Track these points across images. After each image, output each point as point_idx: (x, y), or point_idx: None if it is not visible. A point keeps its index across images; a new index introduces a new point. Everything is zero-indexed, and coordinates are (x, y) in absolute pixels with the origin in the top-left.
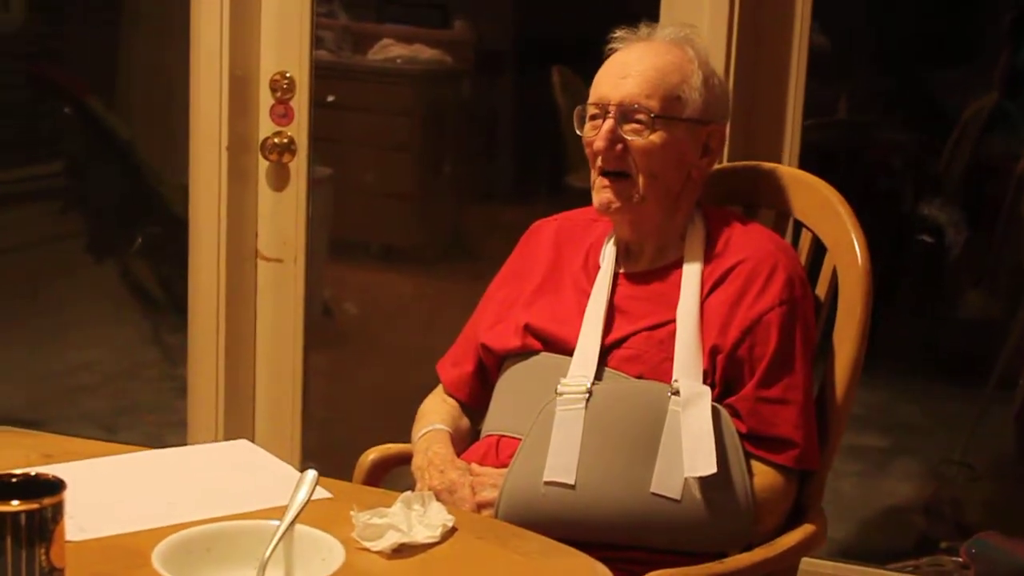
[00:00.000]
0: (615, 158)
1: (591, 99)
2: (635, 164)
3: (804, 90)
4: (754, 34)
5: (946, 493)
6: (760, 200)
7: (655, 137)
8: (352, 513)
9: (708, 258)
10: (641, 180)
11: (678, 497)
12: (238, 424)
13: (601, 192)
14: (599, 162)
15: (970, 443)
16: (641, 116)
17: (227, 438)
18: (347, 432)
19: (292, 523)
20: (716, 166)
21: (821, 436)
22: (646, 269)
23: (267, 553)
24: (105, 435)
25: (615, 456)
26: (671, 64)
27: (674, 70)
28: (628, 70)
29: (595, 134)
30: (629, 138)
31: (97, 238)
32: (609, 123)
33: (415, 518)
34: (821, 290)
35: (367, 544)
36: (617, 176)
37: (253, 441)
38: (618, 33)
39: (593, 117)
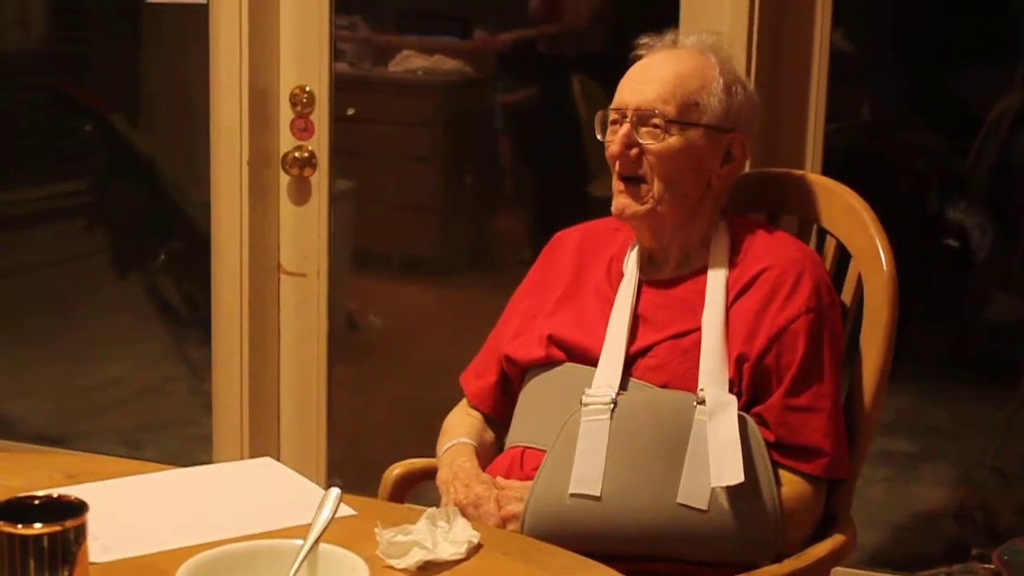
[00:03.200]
0: (631, 163)
1: (612, 104)
2: (651, 169)
3: (826, 93)
4: (775, 38)
5: (977, 498)
6: (784, 207)
7: (672, 141)
8: (377, 530)
9: (733, 265)
10: (657, 185)
11: (705, 507)
12: (263, 438)
13: (617, 197)
14: (616, 167)
15: (1000, 447)
16: (657, 121)
17: (252, 452)
18: (372, 445)
19: (316, 541)
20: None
21: (849, 444)
22: (670, 277)
23: (291, 573)
24: (131, 451)
25: (641, 467)
26: (691, 70)
27: (694, 76)
28: (648, 75)
29: (614, 139)
30: (644, 142)
31: (121, 254)
32: (625, 127)
33: (440, 535)
34: (847, 297)
35: (392, 562)
36: (633, 181)
37: (278, 455)
38: (644, 40)
39: (614, 122)
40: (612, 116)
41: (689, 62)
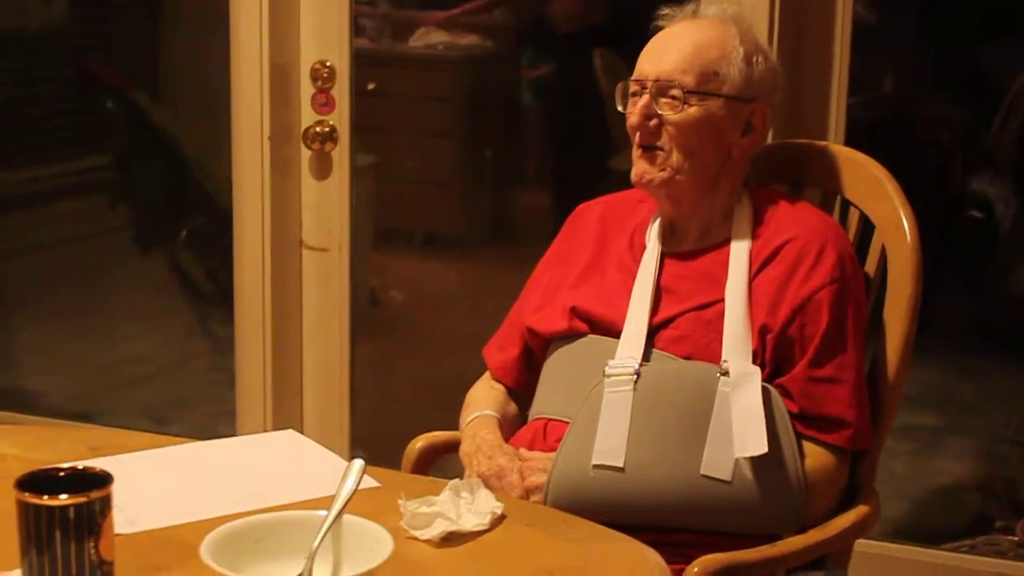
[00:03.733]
0: (650, 133)
1: (633, 76)
2: (670, 139)
3: (849, 66)
4: (797, 8)
5: (1000, 472)
6: (807, 179)
7: (690, 112)
8: (400, 502)
9: (756, 237)
10: (675, 155)
11: (729, 478)
12: (286, 414)
13: (636, 163)
14: (636, 138)
15: (1023, 421)
16: (675, 91)
17: (276, 427)
18: (395, 420)
19: (340, 513)
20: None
21: (873, 416)
22: (692, 248)
23: (316, 544)
24: (155, 427)
25: (664, 438)
26: (711, 40)
27: (713, 46)
28: (668, 46)
29: (633, 110)
30: (663, 113)
31: (144, 231)
32: (645, 98)
33: (463, 506)
34: (870, 269)
35: (416, 533)
36: (651, 149)
37: (302, 430)
38: (664, 11)
39: (634, 94)
40: (632, 87)
41: (709, 32)
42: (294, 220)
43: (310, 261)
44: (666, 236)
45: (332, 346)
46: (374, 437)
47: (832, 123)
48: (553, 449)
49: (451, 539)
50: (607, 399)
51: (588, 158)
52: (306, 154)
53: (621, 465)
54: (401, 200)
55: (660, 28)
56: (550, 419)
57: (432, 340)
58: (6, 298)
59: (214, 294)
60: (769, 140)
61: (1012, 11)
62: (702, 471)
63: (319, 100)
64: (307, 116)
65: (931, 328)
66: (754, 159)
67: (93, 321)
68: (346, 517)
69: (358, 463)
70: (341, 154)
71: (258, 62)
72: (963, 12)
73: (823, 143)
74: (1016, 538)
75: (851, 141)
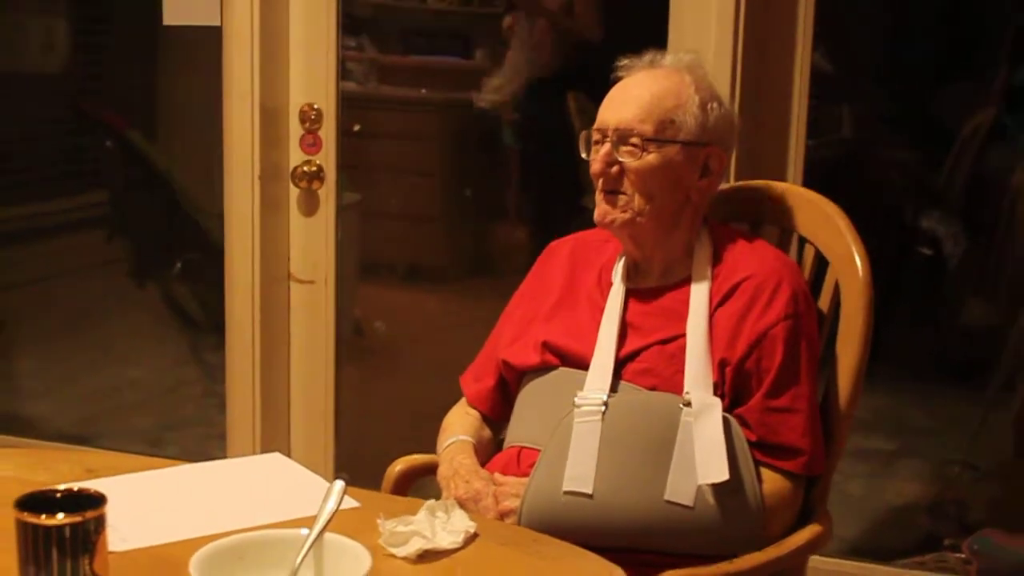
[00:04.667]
0: (612, 179)
1: (595, 125)
2: (631, 184)
3: (807, 110)
4: (758, 57)
5: (950, 493)
6: (765, 217)
7: (649, 159)
8: (379, 521)
9: (715, 274)
10: (637, 199)
11: (691, 504)
12: (274, 436)
13: (599, 206)
14: (600, 183)
15: (973, 445)
16: (635, 140)
17: (264, 449)
18: (377, 442)
19: (322, 531)
20: (722, 186)
21: (826, 440)
22: (655, 285)
23: (298, 560)
24: (151, 449)
25: (631, 466)
26: (667, 90)
27: (670, 95)
28: (627, 96)
29: (596, 158)
30: (624, 160)
31: (140, 263)
32: (606, 147)
33: (439, 525)
34: (824, 301)
35: (393, 550)
36: (613, 193)
37: (288, 451)
38: (623, 61)
39: (597, 142)
40: (595, 136)
41: (665, 82)
42: (283, 254)
43: (298, 293)
44: (630, 274)
45: (318, 372)
46: (357, 458)
47: (791, 163)
48: (526, 475)
49: (427, 556)
50: (577, 429)
51: (563, 196)
52: (294, 192)
53: (590, 492)
54: (385, 234)
55: (620, 78)
56: (523, 447)
57: (413, 367)
58: (8, 327)
59: (206, 323)
60: (730, 181)
61: (962, 60)
62: (666, 497)
63: (307, 141)
64: (295, 156)
65: (884, 357)
66: (714, 199)
67: (91, 349)
68: (327, 535)
69: (339, 484)
70: (327, 192)
71: (249, 104)
72: (917, 61)
73: (780, 184)
74: (963, 555)
75: (809, 181)
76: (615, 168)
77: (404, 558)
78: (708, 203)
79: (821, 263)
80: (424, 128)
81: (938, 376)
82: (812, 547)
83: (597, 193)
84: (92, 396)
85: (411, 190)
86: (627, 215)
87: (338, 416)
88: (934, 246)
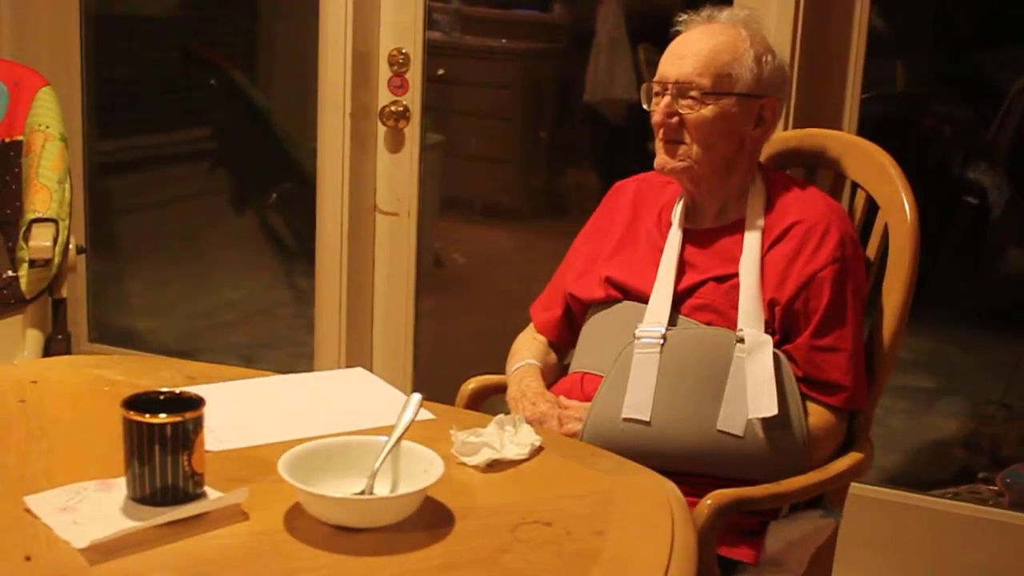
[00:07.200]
0: (672, 130)
1: (655, 78)
2: (690, 135)
3: (863, 65)
4: (819, 14)
5: (986, 430)
6: (820, 163)
7: (707, 111)
8: (452, 432)
9: (767, 218)
10: (695, 148)
11: (741, 434)
12: (358, 357)
13: (659, 155)
14: (660, 133)
15: (1009, 385)
16: (694, 93)
17: (348, 368)
18: (452, 365)
19: (399, 439)
20: (782, 133)
21: (871, 377)
22: (711, 227)
23: (377, 464)
24: (245, 364)
25: (686, 396)
26: (724, 44)
27: (726, 49)
28: (685, 51)
29: (657, 109)
30: (684, 112)
31: (239, 193)
32: (666, 99)
33: (507, 438)
34: (873, 243)
35: (464, 459)
36: (673, 142)
37: (370, 371)
38: (682, 16)
39: (657, 93)
40: (655, 88)
41: (721, 36)
42: (369, 187)
43: (382, 224)
44: (689, 215)
45: (399, 299)
46: (433, 380)
47: (847, 114)
48: (589, 399)
49: (495, 465)
50: (637, 359)
51: (630, 141)
52: (382, 130)
53: (648, 419)
54: (465, 174)
55: (678, 32)
56: (587, 373)
57: (487, 297)
58: (121, 250)
59: (298, 250)
60: (789, 128)
61: (1013, 23)
62: (718, 426)
63: (395, 83)
64: (384, 96)
65: (929, 302)
66: (774, 145)
67: (194, 271)
68: (404, 443)
69: (416, 397)
70: (412, 131)
71: (342, 48)
72: (970, 22)
73: (836, 132)
74: (996, 488)
75: (863, 131)
76: (675, 119)
77: (474, 467)
78: (761, 149)
79: (872, 208)
80: (504, 76)
81: (980, 320)
82: (853, 473)
83: (657, 141)
84: (194, 315)
85: (490, 133)
86: (685, 163)
87: (417, 339)
88: (979, 196)
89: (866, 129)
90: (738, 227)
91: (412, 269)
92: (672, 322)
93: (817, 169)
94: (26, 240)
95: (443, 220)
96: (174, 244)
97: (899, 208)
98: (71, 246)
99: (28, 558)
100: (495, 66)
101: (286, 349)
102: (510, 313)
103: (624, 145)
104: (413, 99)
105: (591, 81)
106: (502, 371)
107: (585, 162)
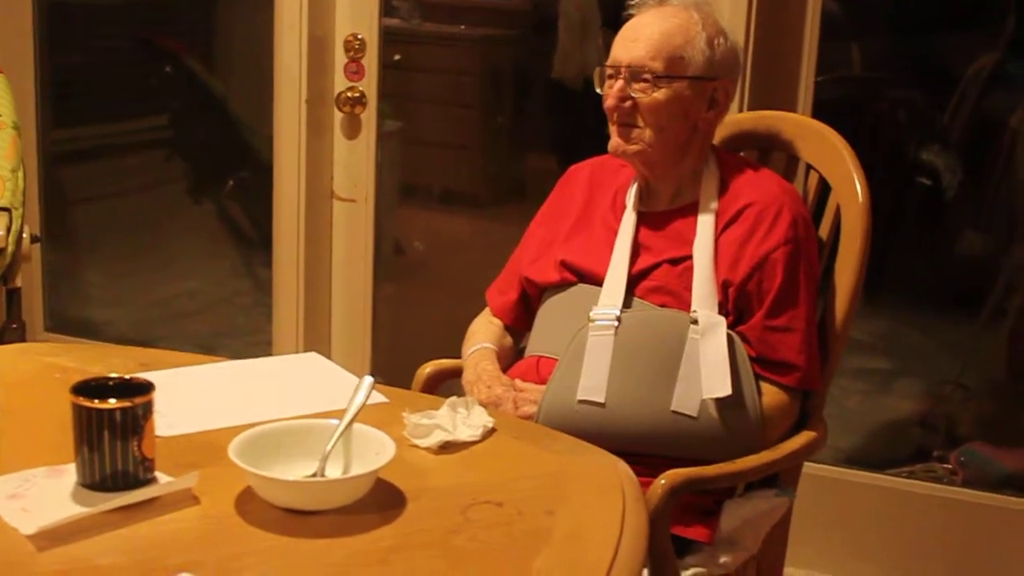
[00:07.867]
0: (625, 113)
1: (608, 62)
2: (643, 118)
3: (818, 48)
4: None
5: (942, 410)
6: (773, 145)
7: (659, 95)
8: (404, 415)
9: (721, 200)
10: (648, 131)
11: (695, 415)
12: (316, 345)
13: (613, 137)
14: (614, 116)
15: (965, 367)
16: (647, 76)
17: None
18: (411, 352)
19: (351, 422)
20: (735, 115)
21: (824, 357)
22: (665, 209)
23: (328, 447)
24: (203, 353)
25: (640, 377)
26: (676, 27)
27: (678, 32)
28: (637, 34)
29: (610, 93)
30: (637, 96)
31: (196, 182)
32: (619, 83)
33: (460, 420)
34: (826, 224)
35: (416, 441)
36: (626, 125)
37: (329, 359)
38: (635, 0)
39: (610, 76)
40: (608, 71)
41: (674, 19)
42: (326, 174)
43: (340, 211)
44: (643, 198)
45: (357, 285)
46: (392, 366)
47: (801, 97)
48: (544, 382)
49: (447, 447)
50: (591, 342)
51: (586, 126)
52: (338, 116)
53: (602, 401)
54: (424, 160)
55: (631, 16)
56: (542, 356)
57: (445, 283)
58: (78, 239)
59: (256, 238)
60: (744, 111)
61: (968, 7)
62: (672, 407)
63: (351, 68)
64: (340, 82)
65: (885, 284)
66: (728, 127)
67: (151, 261)
68: (356, 426)
69: (368, 380)
70: (369, 117)
71: (298, 34)
72: (925, 6)
73: (790, 114)
74: (950, 466)
75: (818, 115)
76: (628, 103)
77: (427, 448)
78: (714, 132)
79: (824, 189)
80: (463, 62)
81: (935, 302)
82: (807, 452)
83: (611, 125)
84: (151, 304)
85: (449, 120)
86: (638, 146)
87: (375, 328)
88: (933, 178)
89: (822, 112)
90: (692, 210)
91: (370, 255)
92: (627, 304)
93: (771, 151)
94: None
95: (402, 207)
96: (132, 233)
97: (851, 188)
98: (25, 235)
99: None
100: (454, 52)
101: (246, 338)
102: (469, 299)
103: (582, 130)
104: (369, 85)
105: (560, 57)
106: (460, 355)
107: (543, 147)
